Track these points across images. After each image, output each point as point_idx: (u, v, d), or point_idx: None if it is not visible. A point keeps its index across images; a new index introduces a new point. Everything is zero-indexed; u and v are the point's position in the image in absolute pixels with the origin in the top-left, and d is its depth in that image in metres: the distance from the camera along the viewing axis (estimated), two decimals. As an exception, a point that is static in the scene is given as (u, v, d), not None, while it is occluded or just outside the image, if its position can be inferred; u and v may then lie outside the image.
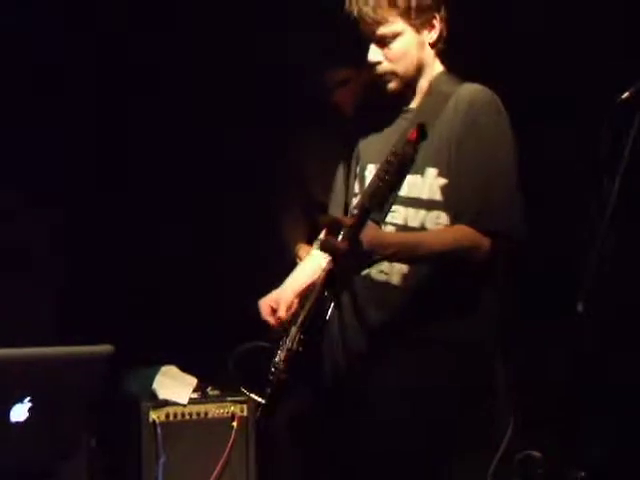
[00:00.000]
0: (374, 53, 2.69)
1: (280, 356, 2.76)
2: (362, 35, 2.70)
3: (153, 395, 4.12)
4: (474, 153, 2.56)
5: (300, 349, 2.68)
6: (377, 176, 2.46)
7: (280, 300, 2.84)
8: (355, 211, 2.53)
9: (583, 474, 2.56)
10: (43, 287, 3.76)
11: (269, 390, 2.75)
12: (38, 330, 3.66)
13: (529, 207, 3.04)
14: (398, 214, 2.67)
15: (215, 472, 3.90)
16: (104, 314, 4.24)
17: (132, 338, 3.77)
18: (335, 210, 2.94)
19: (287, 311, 2.82)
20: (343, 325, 2.74)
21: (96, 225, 4.33)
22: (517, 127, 2.74)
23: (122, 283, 4.43)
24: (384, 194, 2.45)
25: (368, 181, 2.71)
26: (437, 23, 2.72)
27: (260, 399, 2.85)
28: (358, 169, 2.82)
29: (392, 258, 2.59)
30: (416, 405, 2.63)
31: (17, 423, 2.33)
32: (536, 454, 3.55)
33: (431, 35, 2.72)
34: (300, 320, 2.74)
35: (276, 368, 2.73)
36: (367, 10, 2.64)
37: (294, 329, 2.75)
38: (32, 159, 3.95)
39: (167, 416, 4.03)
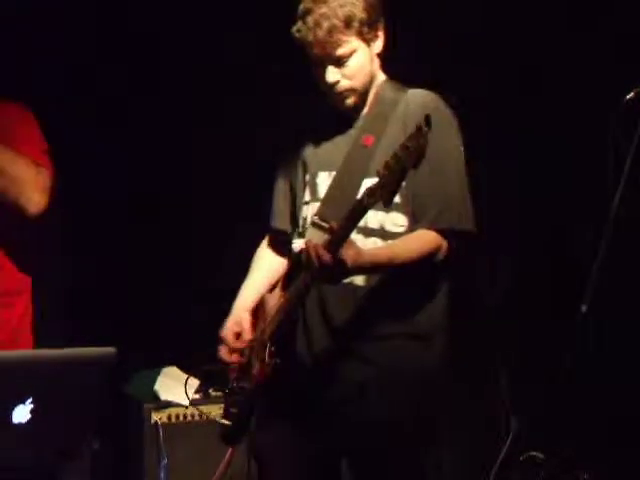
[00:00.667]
0: (332, 74, 2.74)
1: (244, 374, 2.84)
2: (313, 58, 2.73)
3: (155, 397, 4.14)
4: (430, 156, 2.57)
5: (278, 361, 2.74)
6: (387, 168, 2.45)
7: (242, 323, 2.88)
8: (330, 223, 2.57)
9: (586, 476, 2.58)
10: (50, 289, 3.75)
11: (235, 410, 2.86)
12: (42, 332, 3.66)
13: (534, 210, 3.06)
14: None
15: (218, 473, 3.97)
16: (106, 316, 4.27)
17: (134, 340, 3.80)
18: (280, 221, 2.99)
19: (250, 332, 2.87)
20: (307, 328, 2.79)
21: (99, 228, 4.35)
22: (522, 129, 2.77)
23: (124, 286, 4.45)
24: (393, 187, 2.46)
25: (321, 189, 2.80)
26: (381, 32, 2.78)
27: (225, 421, 2.93)
28: (307, 177, 2.87)
29: (366, 274, 2.69)
30: (387, 395, 2.72)
31: (19, 424, 2.29)
32: (539, 455, 3.56)
33: (377, 45, 2.79)
34: (268, 333, 2.80)
35: (242, 388, 2.83)
36: (323, 34, 2.69)
37: (260, 344, 2.81)
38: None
39: (169, 418, 4.07)
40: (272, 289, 2.96)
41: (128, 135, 4.50)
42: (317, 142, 2.88)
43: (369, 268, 2.62)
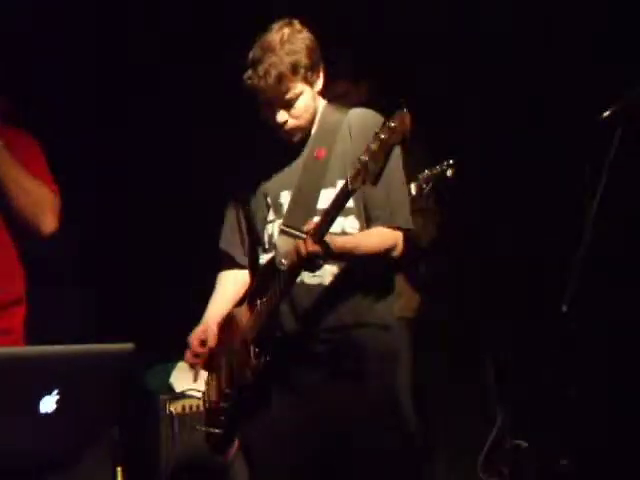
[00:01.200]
0: (281, 115, 2.96)
1: (216, 385, 3.08)
2: (263, 101, 2.93)
3: (170, 389, 4.26)
4: None
5: (268, 358, 2.94)
6: (368, 151, 2.63)
7: (208, 332, 3.09)
8: (314, 218, 2.80)
9: (565, 462, 2.71)
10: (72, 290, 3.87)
11: (222, 417, 3.06)
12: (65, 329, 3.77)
13: (519, 215, 3.17)
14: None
15: (228, 458, 4.10)
16: (127, 315, 4.35)
17: (151, 337, 3.90)
18: (226, 244, 3.23)
19: (213, 340, 3.08)
20: (284, 331, 2.99)
21: (114, 228, 4.43)
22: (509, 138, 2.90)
23: (143, 288, 4.53)
24: (378, 168, 2.63)
25: (284, 206, 3.00)
26: (322, 72, 2.98)
27: (215, 429, 3.09)
28: (269, 199, 3.07)
29: (337, 260, 2.89)
30: (367, 380, 2.95)
31: (46, 414, 2.37)
32: (524, 444, 3.66)
33: (318, 84, 2.99)
34: (250, 338, 2.98)
35: (225, 395, 3.03)
36: (271, 82, 2.89)
37: (240, 350, 2.99)
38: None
39: (183, 408, 4.17)
40: (237, 304, 3.17)
41: (127, 135, 4.56)
42: (273, 167, 3.09)
43: (342, 254, 2.84)
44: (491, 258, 4.35)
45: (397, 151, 2.90)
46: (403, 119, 2.57)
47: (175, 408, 4.18)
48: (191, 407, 4.18)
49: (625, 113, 2.78)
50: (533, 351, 3.64)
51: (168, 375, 4.30)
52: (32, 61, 4.30)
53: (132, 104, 4.61)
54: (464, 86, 4.25)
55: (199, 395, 4.08)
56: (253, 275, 3.18)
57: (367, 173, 2.61)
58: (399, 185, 3.01)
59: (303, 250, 2.73)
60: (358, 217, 2.98)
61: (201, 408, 4.08)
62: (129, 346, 2.49)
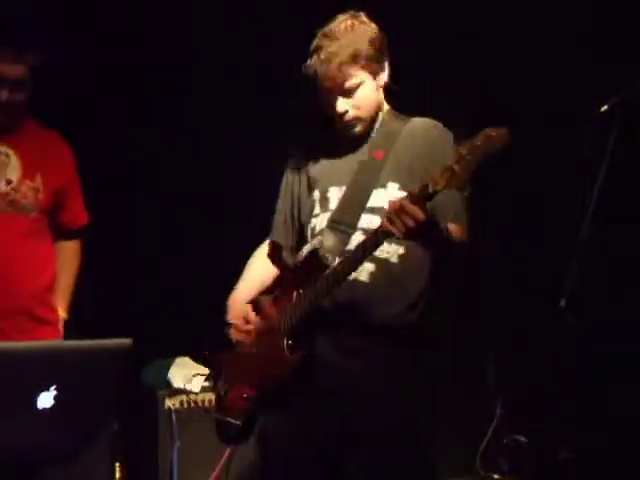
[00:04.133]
0: (342, 104, 2.93)
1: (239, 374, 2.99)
2: (324, 89, 2.91)
3: (168, 384, 4.26)
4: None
5: (305, 352, 2.87)
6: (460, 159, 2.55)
7: (247, 312, 3.04)
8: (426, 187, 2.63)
9: (565, 454, 2.71)
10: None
11: (244, 409, 2.97)
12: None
13: (519, 211, 3.17)
14: (363, 220, 2.92)
15: (226, 454, 4.05)
16: (125, 310, 4.35)
17: (149, 333, 3.91)
18: (278, 235, 3.16)
19: (254, 321, 3.02)
20: (321, 325, 2.92)
21: (113, 224, 4.39)
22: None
23: (140, 283, 4.53)
24: (464, 177, 2.57)
25: (332, 201, 2.97)
26: (386, 65, 2.96)
27: (234, 420, 3.00)
28: (316, 193, 3.04)
29: (423, 233, 2.71)
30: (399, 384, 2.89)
31: (44, 409, 2.37)
32: (522, 438, 3.66)
33: (383, 77, 2.97)
34: (285, 328, 2.92)
35: (251, 386, 2.95)
36: (332, 69, 2.88)
37: (267, 339, 2.94)
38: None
39: (181, 403, 4.17)
40: (263, 292, 3.12)
41: (127, 135, 4.55)
42: (324, 161, 3.07)
43: (434, 224, 2.72)
44: (490, 255, 4.34)
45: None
46: (501, 132, 2.54)
47: (173, 403, 4.18)
48: (189, 402, 4.18)
49: (623, 107, 2.78)
50: (532, 345, 3.65)
51: (166, 370, 4.30)
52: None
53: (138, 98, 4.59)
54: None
55: (197, 391, 4.14)
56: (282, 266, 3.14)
57: (454, 178, 2.55)
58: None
59: (409, 209, 2.59)
60: None
61: (199, 404, 4.17)
62: (127, 341, 2.49)
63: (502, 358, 4.25)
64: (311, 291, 2.89)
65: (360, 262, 2.81)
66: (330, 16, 2.98)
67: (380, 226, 2.70)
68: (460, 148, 2.55)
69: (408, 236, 2.65)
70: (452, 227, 2.87)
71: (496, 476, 4.01)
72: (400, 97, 3.05)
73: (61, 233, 3.73)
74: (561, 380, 2.90)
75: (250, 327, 3.02)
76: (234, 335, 3.05)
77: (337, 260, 2.87)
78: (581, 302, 2.81)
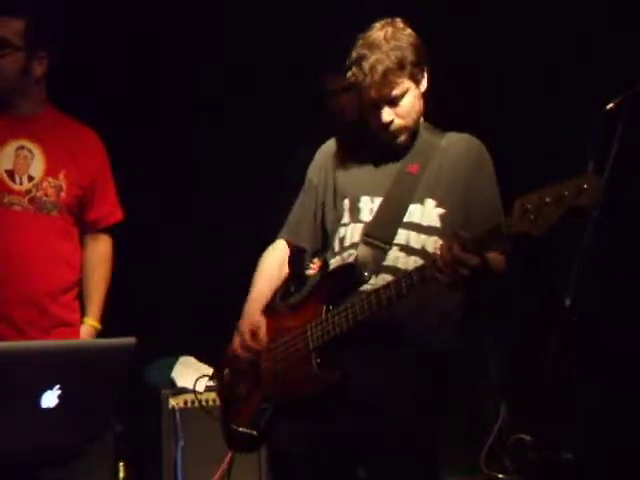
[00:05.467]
0: (387, 114, 2.85)
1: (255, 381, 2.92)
2: (368, 100, 2.83)
3: (172, 383, 4.25)
4: (485, 186, 2.87)
5: (338, 373, 2.77)
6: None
7: (260, 325, 2.95)
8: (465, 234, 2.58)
9: (569, 456, 2.71)
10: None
11: (261, 420, 2.90)
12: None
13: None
14: (400, 236, 2.86)
15: (230, 453, 4.06)
16: (128, 309, 4.27)
17: (153, 331, 3.89)
18: (296, 236, 3.07)
19: (264, 339, 2.94)
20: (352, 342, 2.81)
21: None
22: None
23: (144, 282, 4.52)
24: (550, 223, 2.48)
25: (363, 212, 2.90)
26: (426, 72, 2.91)
27: (249, 431, 2.94)
28: (345, 201, 2.96)
29: (477, 277, 2.64)
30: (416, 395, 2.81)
31: (48, 409, 2.38)
32: (527, 437, 3.65)
33: (424, 84, 2.91)
34: (315, 345, 2.82)
35: (267, 397, 2.89)
36: (377, 78, 2.80)
37: (292, 354, 2.86)
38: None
39: (185, 403, 4.15)
40: (275, 292, 3.04)
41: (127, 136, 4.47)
42: (354, 169, 2.99)
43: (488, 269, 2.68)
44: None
45: (492, 169, 2.92)
46: (593, 183, 2.41)
47: (177, 403, 4.17)
48: (193, 402, 4.17)
49: (630, 103, 2.77)
50: (535, 345, 3.64)
51: (170, 370, 4.30)
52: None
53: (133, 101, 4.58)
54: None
55: (201, 390, 4.13)
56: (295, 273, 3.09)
57: (536, 223, 2.45)
58: (498, 206, 2.89)
59: (461, 257, 2.53)
60: (442, 236, 2.85)
61: (203, 403, 4.17)
62: (131, 340, 2.50)
63: (506, 357, 4.23)
64: (348, 310, 2.78)
65: (405, 297, 2.70)
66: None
67: (426, 272, 2.63)
68: (556, 192, 2.43)
69: (457, 281, 2.60)
70: (496, 257, 2.77)
71: (501, 475, 4.01)
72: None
73: (89, 232, 3.66)
74: (563, 380, 2.88)
75: (254, 344, 2.93)
76: (235, 345, 2.98)
77: (373, 277, 2.81)
78: (584, 302, 2.80)
